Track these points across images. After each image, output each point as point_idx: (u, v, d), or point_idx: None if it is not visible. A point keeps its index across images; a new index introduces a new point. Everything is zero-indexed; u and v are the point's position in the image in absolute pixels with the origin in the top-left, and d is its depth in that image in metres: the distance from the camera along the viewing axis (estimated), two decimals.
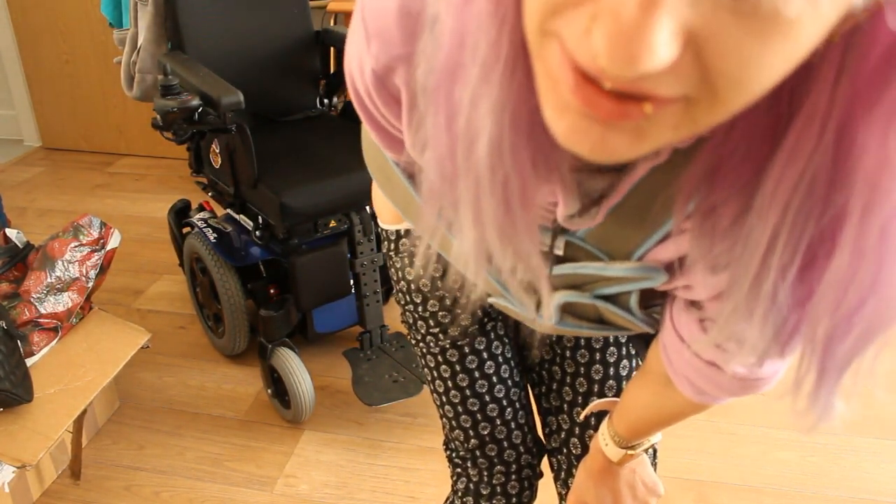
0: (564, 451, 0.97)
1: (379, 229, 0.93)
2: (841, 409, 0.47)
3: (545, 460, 1.03)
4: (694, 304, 0.59)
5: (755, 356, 0.48)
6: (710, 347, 0.59)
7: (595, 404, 0.88)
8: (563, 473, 0.99)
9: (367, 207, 1.87)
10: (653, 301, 0.64)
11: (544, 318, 0.66)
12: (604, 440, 0.82)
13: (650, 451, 0.91)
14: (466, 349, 0.91)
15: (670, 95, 0.33)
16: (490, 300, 0.72)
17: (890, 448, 1.82)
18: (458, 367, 0.92)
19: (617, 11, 0.30)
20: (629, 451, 0.80)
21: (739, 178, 0.41)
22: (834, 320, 0.41)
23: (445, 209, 0.47)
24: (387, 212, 0.89)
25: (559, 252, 0.60)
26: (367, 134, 0.70)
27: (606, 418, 0.83)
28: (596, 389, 0.93)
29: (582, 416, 0.92)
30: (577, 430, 0.95)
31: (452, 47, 0.40)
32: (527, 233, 0.45)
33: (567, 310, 0.65)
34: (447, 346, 0.91)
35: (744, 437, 1.85)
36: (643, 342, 0.92)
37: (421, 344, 0.94)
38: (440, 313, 0.90)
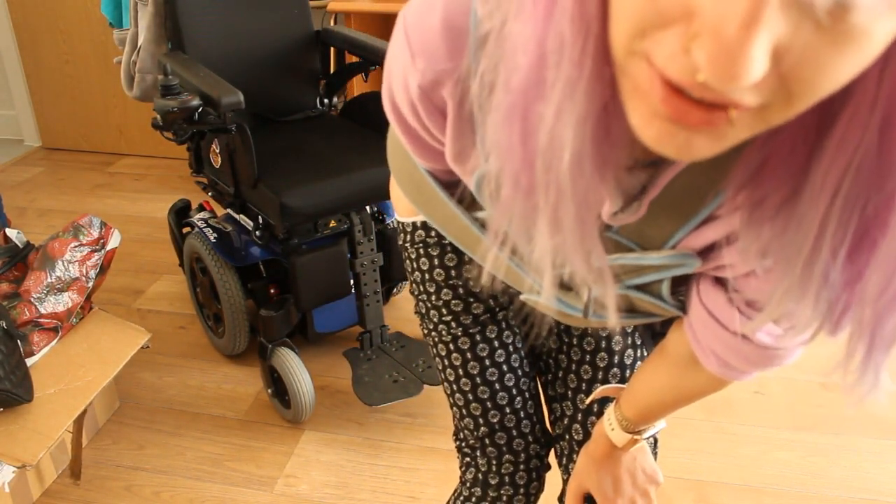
0: (567, 437, 0.99)
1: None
2: (888, 384, 0.49)
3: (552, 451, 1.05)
4: (721, 281, 0.60)
5: (808, 334, 0.50)
6: (738, 316, 0.60)
7: (601, 390, 0.90)
8: (564, 459, 1.01)
9: (367, 207, 1.87)
10: (682, 286, 0.65)
11: (567, 305, 0.68)
12: (610, 425, 0.83)
13: (651, 440, 0.92)
14: (478, 337, 0.94)
15: (752, 104, 0.35)
16: (522, 297, 0.74)
17: (890, 448, 1.82)
18: (468, 356, 0.95)
19: (719, 30, 0.32)
20: (635, 436, 0.82)
21: (788, 170, 0.43)
22: (883, 299, 0.43)
23: (516, 220, 0.48)
24: (404, 205, 0.91)
25: None
26: (397, 142, 0.71)
27: (612, 404, 0.84)
28: (600, 377, 0.95)
29: (587, 402, 0.94)
30: (579, 417, 0.98)
31: (531, 64, 0.41)
32: (594, 237, 0.47)
33: (599, 302, 0.67)
34: (459, 334, 0.94)
35: (744, 437, 1.85)
36: (649, 333, 0.93)
37: (433, 333, 0.96)
38: (453, 302, 0.92)
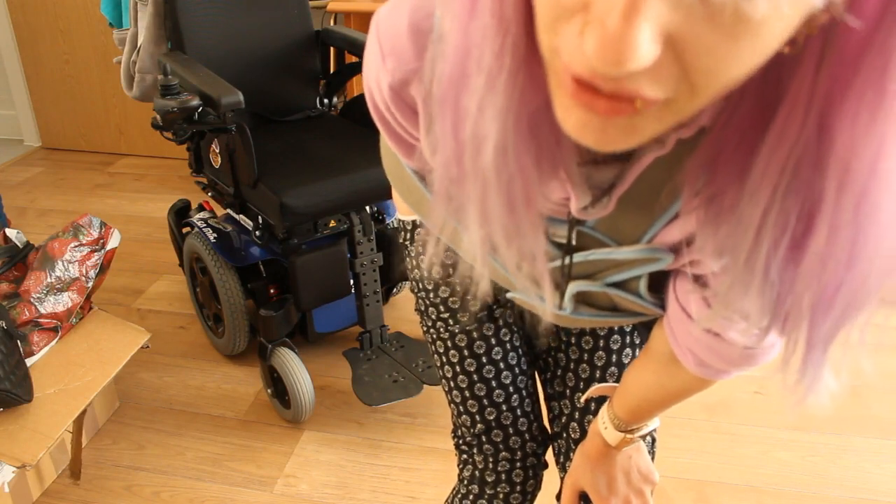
0: (564, 435, 1.00)
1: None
2: (830, 382, 0.50)
3: (550, 450, 1.05)
4: (698, 280, 0.61)
5: (757, 330, 0.50)
6: (714, 321, 0.61)
7: (595, 388, 0.90)
8: (561, 457, 1.01)
9: (367, 207, 1.87)
10: (662, 285, 0.66)
11: (557, 308, 0.68)
12: (603, 424, 0.84)
13: (648, 439, 0.93)
14: (475, 335, 0.95)
15: (655, 96, 0.36)
16: (508, 295, 0.75)
17: (890, 448, 1.82)
18: (466, 353, 0.95)
19: (603, 20, 0.34)
20: (627, 435, 0.82)
21: (736, 165, 0.44)
22: (817, 294, 0.44)
23: (453, 209, 0.50)
24: (403, 203, 0.92)
25: (572, 243, 0.63)
26: (386, 143, 0.72)
27: (606, 402, 0.85)
28: (598, 375, 0.96)
29: (583, 400, 0.95)
30: (577, 416, 0.98)
31: (458, 59, 0.43)
32: (531, 230, 0.49)
33: (581, 300, 0.68)
34: (456, 331, 0.95)
35: (744, 437, 1.85)
36: (648, 331, 0.94)
37: (431, 330, 0.97)
38: (450, 299, 0.93)
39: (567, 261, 0.64)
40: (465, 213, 0.49)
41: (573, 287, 0.66)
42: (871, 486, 1.71)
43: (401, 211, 0.94)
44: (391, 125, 0.61)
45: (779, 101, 0.40)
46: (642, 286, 0.64)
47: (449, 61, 0.44)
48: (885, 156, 0.38)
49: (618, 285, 0.65)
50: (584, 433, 0.97)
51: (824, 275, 0.43)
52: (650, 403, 0.79)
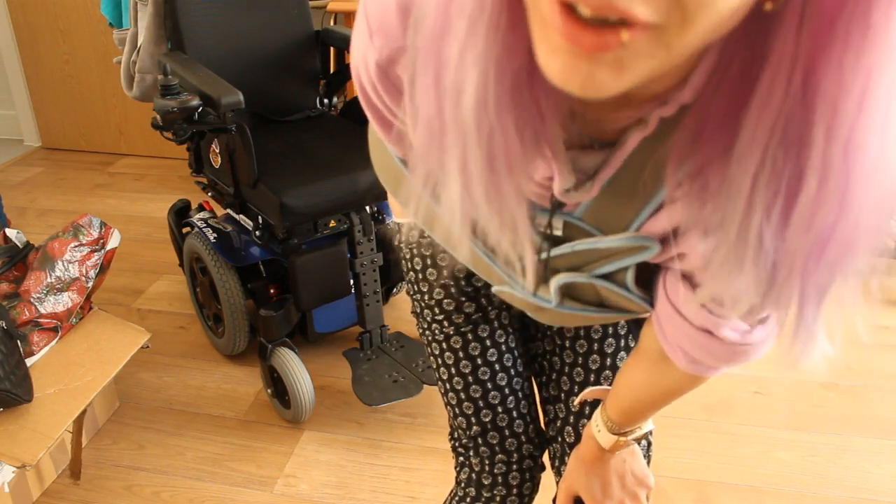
0: (559, 439, 0.99)
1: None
2: (824, 346, 0.49)
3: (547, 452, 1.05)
4: (687, 276, 0.61)
5: (750, 309, 0.49)
6: (702, 311, 0.61)
7: (588, 391, 0.90)
8: (556, 461, 1.01)
9: (367, 207, 1.87)
10: (650, 282, 0.66)
11: (541, 300, 0.68)
12: (596, 427, 0.83)
13: (643, 443, 0.92)
14: (470, 336, 0.95)
15: (645, 18, 0.35)
16: (494, 289, 0.74)
17: (890, 448, 1.82)
18: (461, 354, 0.95)
19: None
20: (621, 438, 0.82)
21: (722, 136, 0.44)
22: (808, 244, 0.44)
23: (433, 170, 0.49)
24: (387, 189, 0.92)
25: (558, 233, 0.63)
26: (374, 134, 0.72)
27: (600, 405, 0.84)
28: (592, 379, 0.95)
29: (576, 403, 0.94)
30: (571, 419, 0.98)
31: (440, 7, 0.43)
32: (513, 197, 0.48)
33: (567, 293, 0.67)
34: (451, 333, 0.95)
35: (744, 437, 1.85)
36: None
37: (427, 332, 0.97)
38: (445, 301, 0.93)
39: (548, 249, 0.64)
40: (445, 167, 0.48)
41: (559, 278, 0.65)
42: (871, 486, 1.71)
43: (396, 212, 0.94)
44: (376, 106, 0.60)
45: (762, 64, 0.40)
46: (629, 278, 0.64)
47: (431, 13, 0.44)
48: (871, 92, 0.38)
49: (605, 277, 0.64)
50: (578, 437, 0.96)
51: (816, 223, 0.42)
52: (642, 404, 0.78)
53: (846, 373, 2.08)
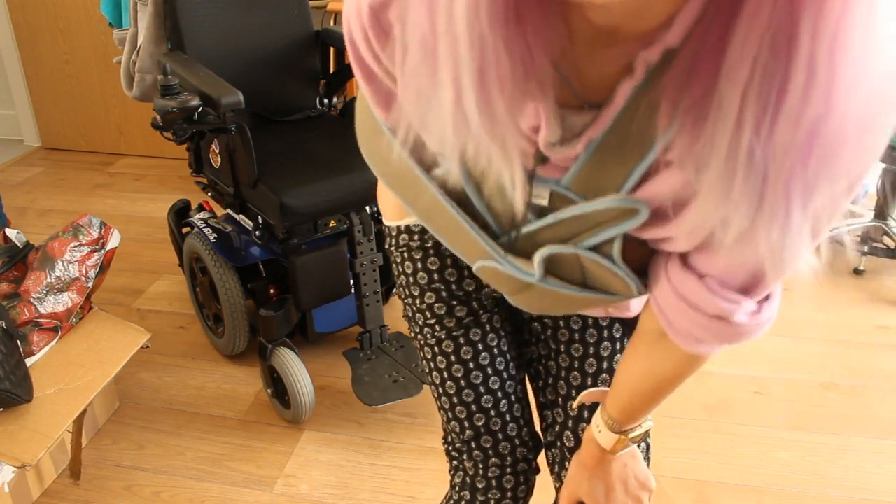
0: (558, 444, 0.99)
1: (381, 226, 0.95)
2: (810, 256, 0.50)
3: (543, 457, 1.04)
4: (690, 266, 0.62)
5: (739, 234, 0.50)
6: (715, 298, 0.61)
7: (586, 393, 0.90)
8: (556, 467, 1.00)
9: (367, 207, 1.87)
10: (640, 266, 0.66)
11: (521, 270, 0.67)
12: (597, 427, 0.83)
13: (642, 445, 0.92)
14: (461, 340, 0.94)
15: None
16: (476, 267, 0.73)
17: (890, 448, 1.82)
18: (453, 358, 0.95)
19: None
20: (622, 437, 0.82)
21: (714, 63, 0.44)
22: (797, 143, 0.44)
23: (424, 88, 0.50)
24: (390, 208, 0.93)
25: (543, 202, 0.63)
26: (363, 109, 0.72)
27: (599, 406, 0.84)
28: (589, 382, 0.95)
29: (575, 405, 0.94)
30: (570, 423, 0.97)
31: None
32: (504, 113, 0.49)
33: (551, 269, 0.67)
34: (443, 337, 0.94)
35: (744, 437, 1.85)
36: None
37: (419, 336, 0.97)
38: (436, 305, 0.93)
39: (533, 219, 0.64)
40: (439, 80, 0.49)
41: (545, 251, 0.65)
42: (871, 486, 1.71)
43: (386, 216, 0.94)
44: (367, 63, 0.61)
45: None
46: (615, 250, 0.63)
47: None
48: None
49: (591, 249, 0.64)
50: (578, 441, 0.96)
51: (803, 120, 0.43)
52: (642, 396, 0.78)
53: (846, 373, 2.08)
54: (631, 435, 0.82)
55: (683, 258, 0.63)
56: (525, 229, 0.66)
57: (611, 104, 0.54)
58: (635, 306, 0.86)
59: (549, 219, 0.63)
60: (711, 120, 0.45)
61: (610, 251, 0.63)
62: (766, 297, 0.63)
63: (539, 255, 0.66)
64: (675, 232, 0.59)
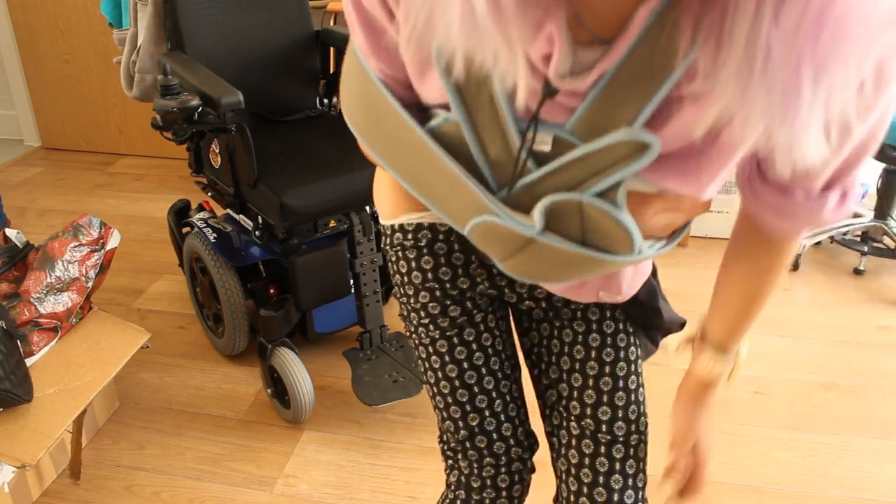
0: (564, 424, 0.97)
1: (378, 227, 0.95)
2: (818, 140, 0.51)
3: (538, 456, 1.03)
4: (761, 173, 0.67)
5: (767, 132, 0.51)
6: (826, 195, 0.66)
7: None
8: (563, 448, 0.98)
9: (367, 207, 1.87)
10: (636, 215, 0.66)
11: (520, 223, 0.66)
12: (710, 362, 0.87)
13: (642, 436, 0.95)
14: (455, 340, 0.94)
15: None
16: (469, 227, 0.71)
17: (890, 448, 1.82)
18: (447, 358, 0.95)
19: None
20: (726, 358, 0.86)
21: None
22: (808, 21, 0.45)
23: None
24: (385, 206, 0.93)
25: (546, 148, 0.62)
26: (351, 64, 0.71)
27: (697, 344, 0.88)
28: (594, 356, 0.94)
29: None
30: (575, 394, 0.95)
31: None
32: (513, 7, 0.50)
33: (550, 225, 0.65)
34: (437, 337, 0.94)
35: (744, 437, 1.85)
36: (641, 326, 0.94)
37: (414, 335, 0.97)
38: (430, 305, 0.93)
39: (534, 167, 0.63)
40: None
41: (547, 200, 0.63)
42: (871, 486, 1.71)
43: (382, 216, 0.94)
44: (366, 10, 0.62)
45: None
46: (620, 194, 0.62)
47: None
48: None
49: (599, 195, 0.62)
50: (583, 410, 0.94)
51: (810, 6, 0.44)
52: (745, 302, 0.82)
53: (846, 373, 2.08)
54: (739, 358, 0.87)
55: (761, 172, 0.67)
56: (524, 180, 0.64)
57: (626, 34, 0.53)
58: (626, 288, 0.86)
59: (553, 164, 0.62)
60: (728, 24, 0.46)
61: (615, 196, 0.62)
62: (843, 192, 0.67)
63: (542, 204, 0.64)
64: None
